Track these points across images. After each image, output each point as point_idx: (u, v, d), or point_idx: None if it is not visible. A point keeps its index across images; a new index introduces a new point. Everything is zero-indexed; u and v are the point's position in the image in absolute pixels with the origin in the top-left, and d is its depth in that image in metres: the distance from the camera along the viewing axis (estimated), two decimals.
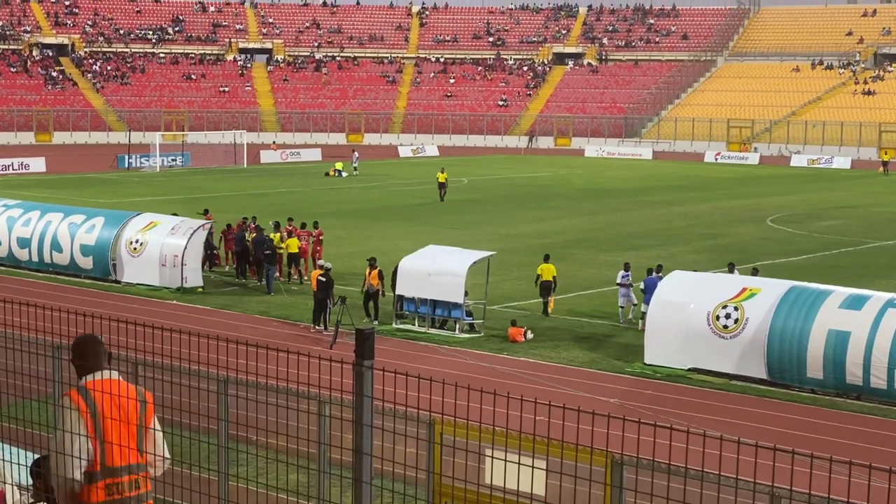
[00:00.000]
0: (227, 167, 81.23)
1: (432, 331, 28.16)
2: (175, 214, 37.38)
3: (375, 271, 28.98)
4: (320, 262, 31.38)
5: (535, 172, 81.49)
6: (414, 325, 28.57)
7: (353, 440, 5.82)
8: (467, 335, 27.84)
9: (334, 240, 36.92)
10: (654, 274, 29.01)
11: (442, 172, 59.69)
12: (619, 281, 29.73)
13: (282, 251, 34.30)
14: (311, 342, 26.44)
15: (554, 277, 30.54)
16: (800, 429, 20.75)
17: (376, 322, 28.36)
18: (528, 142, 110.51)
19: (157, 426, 6.80)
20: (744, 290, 24.55)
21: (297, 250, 34.42)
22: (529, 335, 27.44)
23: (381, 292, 29.07)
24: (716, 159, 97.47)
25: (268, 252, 33.63)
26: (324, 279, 28.50)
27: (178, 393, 8.91)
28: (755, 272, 29.97)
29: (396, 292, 28.84)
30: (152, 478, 6.78)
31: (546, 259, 31.19)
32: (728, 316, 24.09)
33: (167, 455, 6.79)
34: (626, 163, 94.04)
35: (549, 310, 30.39)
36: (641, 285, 28.93)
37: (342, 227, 43.83)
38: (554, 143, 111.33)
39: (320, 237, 35.91)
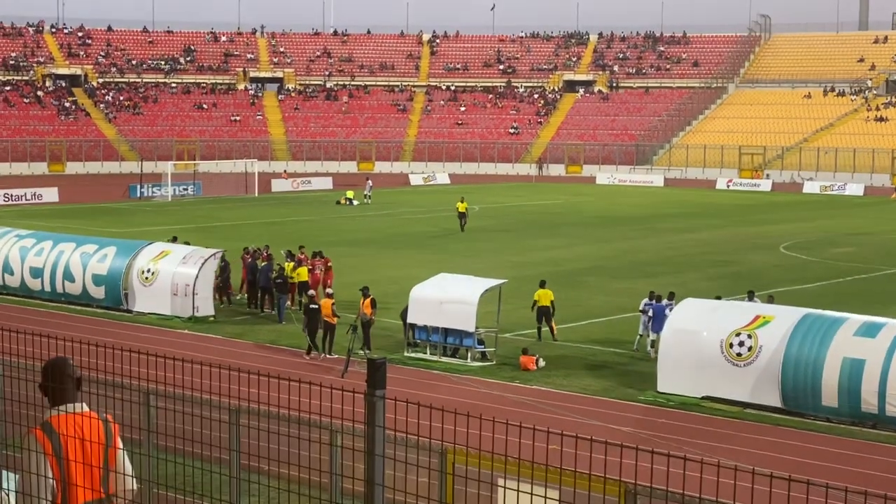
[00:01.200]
0: (239, 196, 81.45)
1: (444, 359, 28.12)
2: (174, 239, 37.65)
3: (368, 300, 28.77)
4: (328, 290, 31.48)
5: (547, 200, 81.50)
6: (426, 353, 28.53)
7: (365, 470, 5.81)
8: (479, 363, 27.79)
9: (345, 268, 36.98)
10: (665, 301, 29.05)
11: (462, 202, 58.78)
12: (641, 308, 29.66)
13: (293, 280, 34.32)
14: (323, 371, 26.41)
15: (552, 302, 30.58)
16: (815, 458, 20.62)
17: (368, 351, 28.04)
18: (539, 169, 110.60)
19: (120, 444, 6.79)
20: (757, 317, 24.47)
21: (307, 279, 34.42)
22: (541, 363, 27.38)
23: (370, 321, 28.79)
24: (728, 186, 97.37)
25: (279, 281, 33.66)
26: (314, 306, 28.77)
27: (190, 423, 8.91)
28: (770, 300, 29.94)
29: (408, 320, 28.84)
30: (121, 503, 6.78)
31: (542, 285, 31.22)
32: (742, 344, 24.01)
33: (132, 474, 6.77)
34: (638, 190, 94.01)
35: (555, 334, 30.43)
36: (650, 312, 28.90)
37: (353, 256, 43.87)
38: (565, 171, 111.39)
39: (328, 265, 35.96)
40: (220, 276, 35.41)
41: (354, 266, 41.44)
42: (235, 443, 11.51)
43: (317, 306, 29.07)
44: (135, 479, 6.76)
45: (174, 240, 39.96)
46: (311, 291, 30.80)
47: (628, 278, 41.67)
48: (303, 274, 34.61)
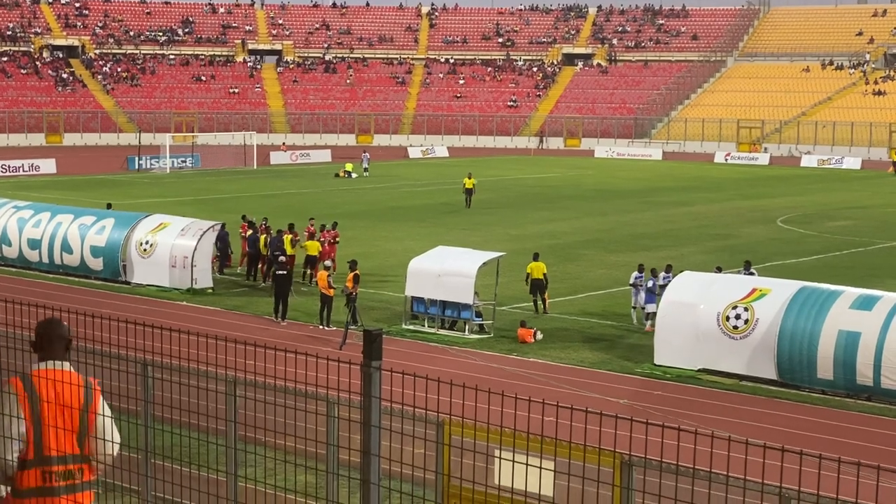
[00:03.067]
0: (237, 168, 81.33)
1: (442, 332, 28.18)
2: (109, 206, 37.99)
3: (351, 275, 28.40)
4: (325, 262, 31.44)
5: (545, 173, 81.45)
6: (424, 325, 28.60)
7: (362, 441, 5.83)
8: (477, 336, 27.86)
9: (343, 241, 36.97)
10: (662, 273, 29.21)
11: (469, 178, 57.59)
12: (631, 281, 29.73)
13: (293, 254, 34.18)
14: (321, 343, 26.46)
15: (545, 275, 30.63)
16: (809, 429, 20.71)
17: (352, 325, 27.33)
18: (537, 143, 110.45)
19: (107, 412, 6.84)
20: (754, 290, 24.52)
21: (316, 253, 34.12)
22: (539, 336, 27.44)
23: (350, 295, 28.16)
24: (726, 160, 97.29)
25: (277, 254, 33.62)
26: (282, 272, 29.04)
27: (188, 394, 8.93)
28: (748, 266, 30.11)
29: (406, 293, 28.90)
30: (100, 467, 6.83)
31: (535, 257, 31.27)
32: (738, 316, 24.06)
33: (116, 440, 6.82)
34: (636, 163, 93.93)
35: (547, 307, 30.50)
36: (649, 284, 28.98)
37: (352, 229, 43.86)
38: (564, 144, 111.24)
39: (336, 239, 35.92)
40: (218, 246, 35.48)
41: (353, 238, 41.44)
42: (233, 414, 11.54)
43: (284, 272, 29.41)
44: (116, 445, 6.80)
45: (109, 207, 40.64)
46: (282, 258, 30.63)
47: (626, 251, 41.70)
48: (312, 248, 34.38)
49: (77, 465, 6.71)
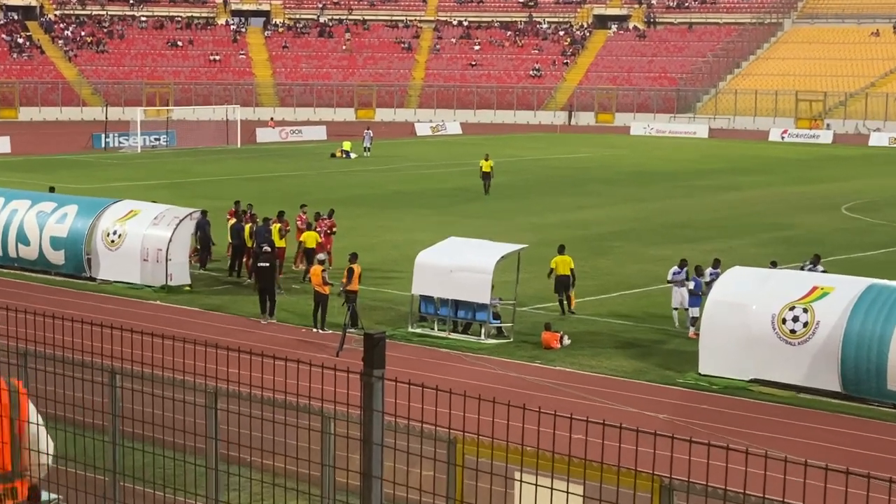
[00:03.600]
0: (219, 147, 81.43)
1: (454, 336, 28.20)
2: (52, 189, 37.82)
3: (346, 269, 28.31)
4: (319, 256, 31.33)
5: (573, 153, 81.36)
6: (433, 329, 28.62)
7: (362, 461, 5.84)
8: (494, 341, 27.86)
9: (340, 231, 37.01)
10: (708, 270, 29.12)
11: (486, 160, 56.97)
12: (670, 279, 29.65)
13: (283, 245, 34.19)
14: (314, 349, 26.50)
15: (572, 270, 30.65)
16: (877, 449, 20.68)
17: (351, 329, 27.26)
18: (565, 118, 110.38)
19: (39, 420, 6.84)
20: (814, 288, 24.45)
21: (315, 245, 34.03)
22: (566, 341, 27.43)
23: (349, 293, 28.03)
24: (782, 138, 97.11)
25: (263, 245, 33.65)
26: (265, 265, 29.39)
27: (162, 407, 8.97)
28: (816, 260, 29.95)
29: (413, 291, 28.91)
30: (36, 479, 6.83)
31: (561, 250, 31.25)
32: (796, 319, 24.01)
33: (50, 451, 6.83)
34: (678, 142, 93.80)
35: (573, 307, 30.51)
36: (690, 285, 28.86)
37: (350, 217, 43.90)
38: (595, 120, 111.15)
39: (333, 229, 35.90)
40: (198, 234, 35.51)
41: (351, 228, 41.47)
42: (213, 430, 11.56)
43: (267, 264, 29.57)
44: (49, 457, 6.81)
45: (52, 190, 40.93)
46: (267, 248, 30.65)
47: (666, 244, 41.66)
48: (310, 239, 34.26)
49: (16, 483, 6.69)
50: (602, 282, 34.98)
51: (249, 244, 34.52)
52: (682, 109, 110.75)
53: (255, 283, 30.54)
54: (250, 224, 34.99)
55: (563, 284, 30.75)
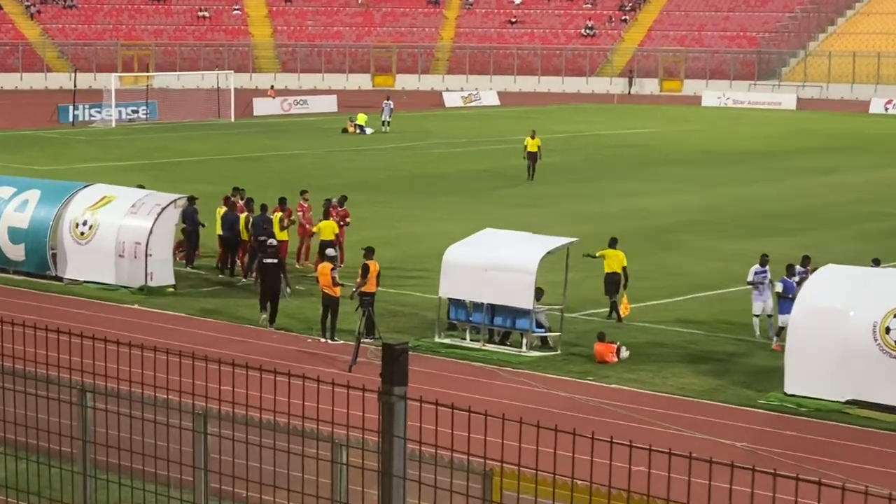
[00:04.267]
0: (209, 121, 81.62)
1: (489, 347, 28.18)
2: (142, 186, 37.67)
3: (361, 266, 28.33)
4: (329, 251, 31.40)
5: (633, 128, 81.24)
6: (464, 339, 28.62)
7: (380, 497, 5.86)
8: (538, 353, 27.85)
9: (354, 221, 37.07)
10: (798, 268, 28.87)
11: (532, 138, 56.43)
12: (750, 279, 29.54)
13: (286, 238, 34.25)
14: (322, 362, 26.55)
15: (624, 268, 30.55)
16: None
17: (366, 337, 27.35)
18: (623, 86, 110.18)
19: None
20: None
21: (333, 237, 34.05)
22: (624, 354, 27.38)
23: (353, 294, 28.21)
24: (886, 109, 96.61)
25: (264, 238, 33.75)
26: (272, 261, 29.58)
27: (141, 432, 9.01)
28: (876, 264, 29.72)
29: (441, 294, 28.89)
30: None
31: (612, 244, 31.24)
32: None
33: None
34: (760, 115, 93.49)
35: (623, 313, 30.35)
36: (778, 287, 28.70)
37: (365, 204, 43.96)
38: (659, 88, 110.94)
39: (346, 220, 35.93)
40: (184, 225, 35.59)
41: (366, 218, 41.53)
42: (202, 458, 11.61)
43: (273, 261, 29.66)
44: None
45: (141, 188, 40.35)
46: (272, 241, 30.72)
47: (745, 237, 41.56)
48: (326, 230, 34.17)
49: None
50: (668, 283, 34.90)
51: (245, 237, 34.62)
52: (765, 76, 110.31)
53: (258, 283, 30.48)
54: (246, 213, 35.04)
55: (616, 284, 30.63)
